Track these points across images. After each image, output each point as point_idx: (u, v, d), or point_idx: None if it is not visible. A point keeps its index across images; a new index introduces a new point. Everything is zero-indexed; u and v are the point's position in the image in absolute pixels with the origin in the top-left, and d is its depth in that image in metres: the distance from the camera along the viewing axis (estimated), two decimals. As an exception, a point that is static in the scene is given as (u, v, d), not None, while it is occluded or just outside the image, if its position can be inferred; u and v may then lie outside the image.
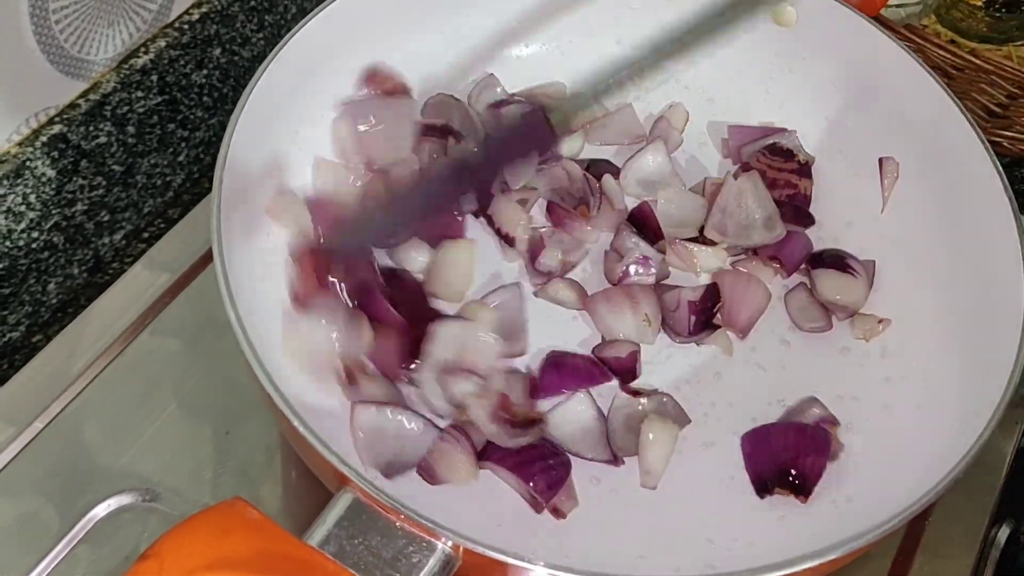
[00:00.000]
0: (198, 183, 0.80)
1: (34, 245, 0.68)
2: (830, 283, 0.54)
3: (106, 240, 0.74)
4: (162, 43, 0.71)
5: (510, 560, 0.36)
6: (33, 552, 0.50)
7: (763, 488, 0.48)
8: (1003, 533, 0.54)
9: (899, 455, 0.47)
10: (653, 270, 0.54)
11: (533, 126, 0.51)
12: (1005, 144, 0.83)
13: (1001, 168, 0.50)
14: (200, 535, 0.35)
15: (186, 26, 0.72)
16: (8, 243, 0.66)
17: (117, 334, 0.62)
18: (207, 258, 0.67)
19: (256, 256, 0.52)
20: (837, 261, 0.55)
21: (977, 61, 0.78)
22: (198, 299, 0.63)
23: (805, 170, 0.58)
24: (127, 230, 0.75)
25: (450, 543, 0.37)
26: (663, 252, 0.55)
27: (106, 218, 0.73)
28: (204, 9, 0.73)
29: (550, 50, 0.62)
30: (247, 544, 0.35)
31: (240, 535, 0.35)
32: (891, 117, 0.56)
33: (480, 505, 0.46)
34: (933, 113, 0.53)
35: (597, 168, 0.58)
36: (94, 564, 0.50)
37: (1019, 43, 0.89)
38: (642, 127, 0.61)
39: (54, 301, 0.72)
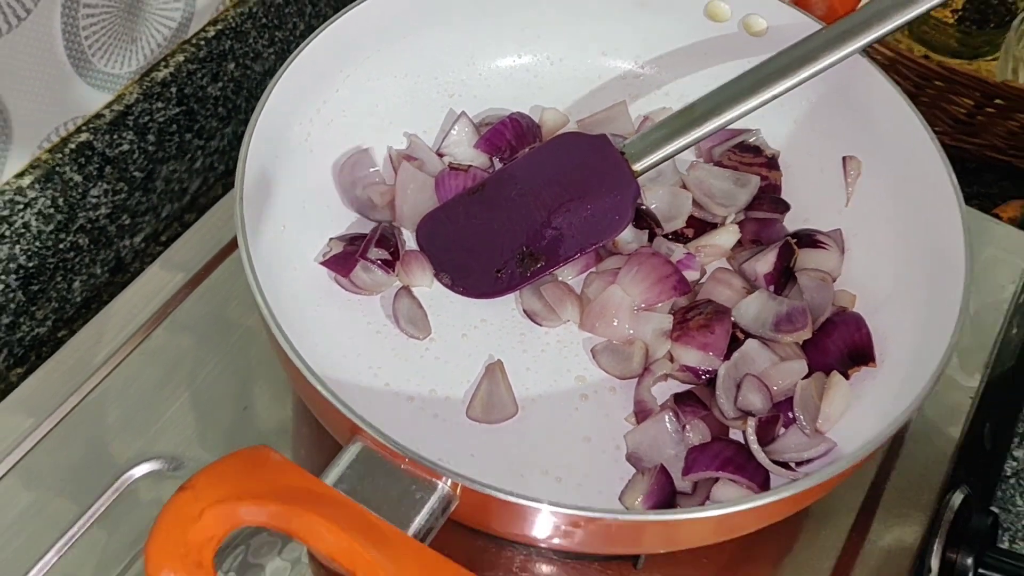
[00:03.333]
0: (212, 189, 0.85)
1: (61, 246, 0.74)
2: (807, 259, 0.60)
3: (127, 242, 0.80)
4: (181, 57, 0.77)
5: (502, 496, 0.42)
6: (64, 519, 0.56)
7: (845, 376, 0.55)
8: (957, 498, 0.59)
9: (859, 408, 0.54)
10: (697, 264, 0.60)
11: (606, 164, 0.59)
12: (973, 151, 0.90)
13: (950, 165, 0.56)
14: (230, 471, 0.41)
15: (203, 42, 0.78)
16: (38, 243, 0.72)
17: (137, 327, 0.67)
18: (218, 258, 0.71)
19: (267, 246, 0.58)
20: (808, 239, 0.61)
21: (945, 72, 0.84)
22: (210, 296, 0.68)
23: (773, 163, 0.65)
24: (146, 233, 0.81)
25: (449, 482, 0.42)
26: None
27: (127, 221, 0.79)
28: (219, 26, 0.79)
29: (539, 60, 0.68)
30: (271, 480, 0.41)
31: (265, 472, 0.41)
32: (854, 119, 0.62)
33: (477, 456, 0.53)
34: (891, 115, 0.59)
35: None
36: (124, 525, 0.55)
37: (988, 58, 0.96)
38: (632, 125, 0.67)
39: (78, 299, 0.77)
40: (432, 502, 0.42)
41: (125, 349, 0.67)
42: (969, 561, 0.59)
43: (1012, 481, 0.75)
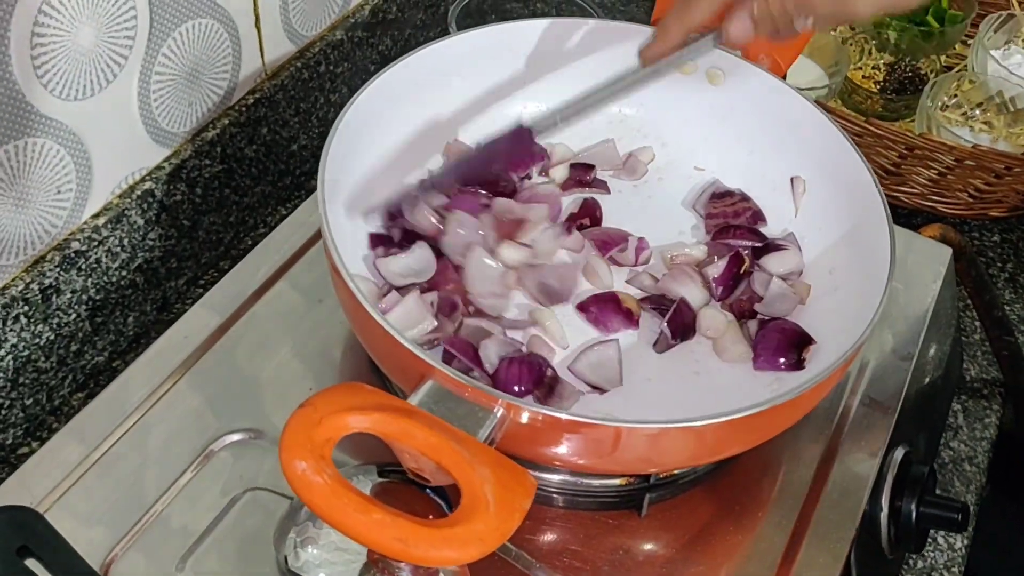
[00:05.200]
0: (242, 241, 0.98)
1: (122, 282, 0.85)
2: (775, 262, 0.75)
3: (172, 284, 0.91)
4: (225, 121, 0.89)
5: (543, 411, 0.55)
6: (168, 475, 0.68)
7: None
8: (899, 453, 0.73)
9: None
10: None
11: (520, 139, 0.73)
12: (903, 198, 1.06)
13: (875, 177, 0.71)
14: (338, 393, 0.53)
15: (243, 108, 0.91)
16: (105, 278, 0.83)
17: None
18: (245, 307, 0.80)
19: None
20: (773, 246, 0.76)
21: (873, 128, 1.01)
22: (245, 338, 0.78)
23: (745, 196, 0.80)
24: (187, 277, 0.93)
25: (503, 404, 0.55)
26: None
27: (174, 265, 0.90)
28: (257, 95, 0.92)
29: (541, 108, 0.83)
30: (369, 400, 0.53)
31: (364, 395, 0.53)
32: (797, 147, 0.78)
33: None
34: (826, 141, 0.75)
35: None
36: (215, 482, 0.67)
37: (908, 120, 1.13)
38: (619, 158, 0.82)
39: (131, 333, 0.88)
40: (491, 420, 0.55)
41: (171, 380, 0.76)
42: (912, 505, 0.72)
43: (950, 467, 0.89)
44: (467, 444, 0.52)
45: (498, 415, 0.56)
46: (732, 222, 0.78)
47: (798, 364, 0.69)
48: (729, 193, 0.80)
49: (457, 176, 0.75)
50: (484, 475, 0.51)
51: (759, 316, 0.72)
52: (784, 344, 0.70)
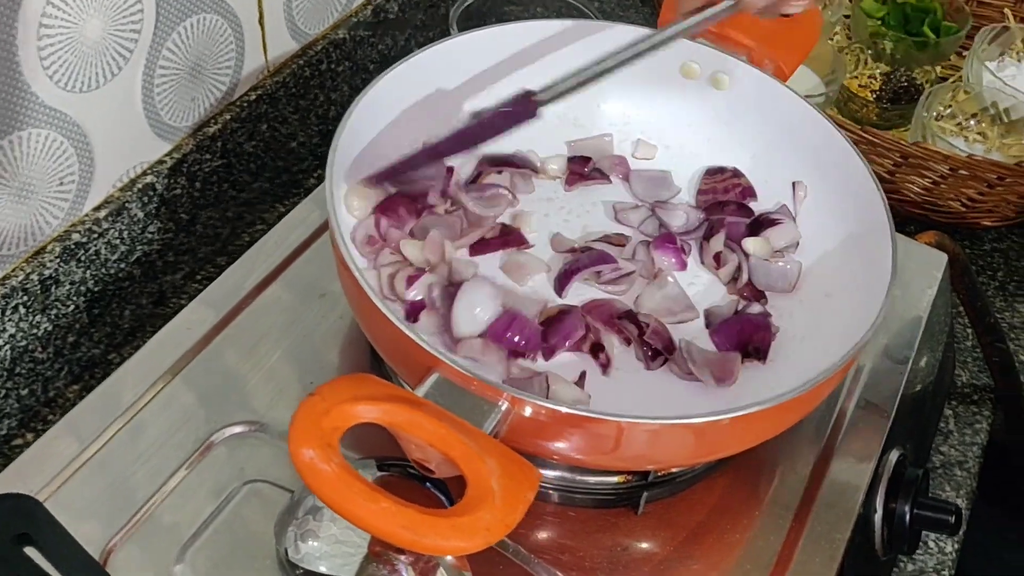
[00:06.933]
0: (239, 237, 0.98)
1: (120, 275, 0.86)
2: (771, 236, 0.77)
3: (169, 278, 0.92)
4: (227, 116, 0.91)
5: (548, 404, 0.56)
6: (167, 467, 0.68)
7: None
8: (894, 456, 0.74)
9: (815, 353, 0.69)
10: None
11: (518, 102, 0.73)
12: (895, 206, 1.07)
13: (877, 179, 0.73)
14: (346, 383, 0.54)
15: (245, 103, 0.92)
16: (104, 270, 0.84)
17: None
18: (245, 302, 0.80)
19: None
20: (765, 222, 0.78)
21: (868, 136, 1.02)
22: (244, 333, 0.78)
23: (738, 173, 0.81)
24: (184, 271, 0.93)
25: (508, 397, 0.56)
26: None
27: (171, 259, 0.91)
28: (259, 91, 0.93)
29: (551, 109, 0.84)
30: (377, 391, 0.54)
31: (374, 386, 0.54)
32: (799, 151, 0.79)
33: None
34: (827, 146, 0.76)
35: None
36: (214, 474, 0.68)
37: (902, 129, 1.15)
38: (613, 151, 0.83)
39: (126, 326, 0.89)
40: (496, 412, 0.56)
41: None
42: (906, 507, 0.73)
43: (941, 471, 0.90)
44: (474, 436, 0.53)
45: (503, 408, 0.57)
46: (721, 198, 0.79)
47: None
48: (721, 170, 0.82)
49: (457, 142, 0.75)
50: (491, 467, 0.52)
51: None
52: None
